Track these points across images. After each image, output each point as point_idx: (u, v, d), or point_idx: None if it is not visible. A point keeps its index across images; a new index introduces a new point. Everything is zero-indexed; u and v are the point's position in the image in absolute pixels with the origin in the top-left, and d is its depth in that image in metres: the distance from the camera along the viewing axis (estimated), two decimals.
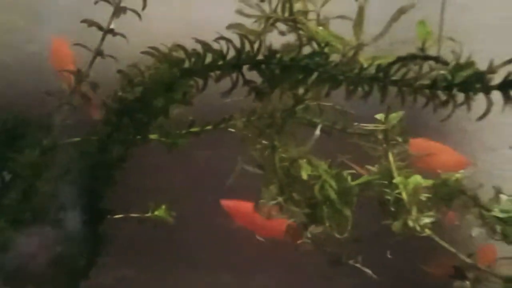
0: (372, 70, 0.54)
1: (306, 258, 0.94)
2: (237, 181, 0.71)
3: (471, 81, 0.46)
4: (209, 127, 0.79)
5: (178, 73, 0.57)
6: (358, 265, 0.75)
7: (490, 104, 0.47)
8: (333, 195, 0.65)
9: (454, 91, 0.48)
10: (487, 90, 0.46)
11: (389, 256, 0.83)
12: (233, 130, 0.77)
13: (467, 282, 0.74)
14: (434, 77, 0.48)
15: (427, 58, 0.48)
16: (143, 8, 0.64)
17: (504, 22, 1.00)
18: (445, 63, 0.47)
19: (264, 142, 0.71)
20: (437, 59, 0.48)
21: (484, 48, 0.54)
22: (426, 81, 0.50)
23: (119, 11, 0.63)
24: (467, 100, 0.48)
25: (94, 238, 0.66)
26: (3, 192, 0.57)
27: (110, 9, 0.67)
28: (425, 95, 0.50)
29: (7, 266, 0.58)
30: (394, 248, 0.81)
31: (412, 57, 0.49)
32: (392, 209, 0.69)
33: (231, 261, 1.03)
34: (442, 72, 0.48)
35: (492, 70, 0.46)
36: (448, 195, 0.76)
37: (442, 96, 0.49)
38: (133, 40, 0.72)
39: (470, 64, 0.48)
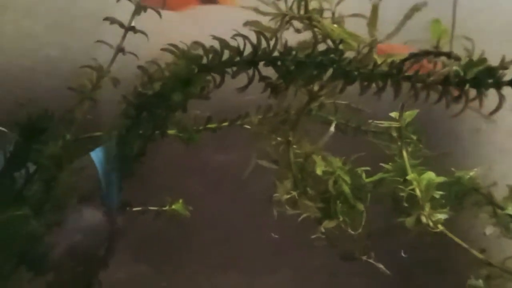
0: (385, 67, 0.55)
1: (317, 258, 0.94)
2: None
3: (483, 77, 0.47)
4: (225, 124, 0.81)
5: (195, 69, 0.58)
6: (371, 260, 0.75)
7: (502, 99, 0.47)
8: (347, 190, 0.66)
9: (466, 86, 0.49)
10: (498, 85, 0.47)
11: (403, 255, 0.84)
12: (248, 127, 0.78)
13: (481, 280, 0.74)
14: (446, 73, 0.49)
15: (439, 54, 0.49)
16: (163, 7, 0.66)
17: None
18: (458, 59, 0.48)
19: (278, 138, 0.72)
20: (449, 55, 0.49)
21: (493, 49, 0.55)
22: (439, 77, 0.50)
23: (139, 9, 0.65)
24: (479, 96, 0.49)
25: (112, 230, 0.68)
26: (27, 182, 0.60)
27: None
28: (437, 91, 0.51)
29: (31, 254, 0.60)
30: (406, 245, 0.82)
31: (425, 54, 0.50)
32: (406, 205, 0.70)
33: (243, 261, 1.04)
34: (454, 68, 0.49)
35: (504, 66, 0.47)
36: (461, 192, 0.77)
37: (455, 92, 0.50)
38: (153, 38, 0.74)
39: (482, 60, 0.49)
